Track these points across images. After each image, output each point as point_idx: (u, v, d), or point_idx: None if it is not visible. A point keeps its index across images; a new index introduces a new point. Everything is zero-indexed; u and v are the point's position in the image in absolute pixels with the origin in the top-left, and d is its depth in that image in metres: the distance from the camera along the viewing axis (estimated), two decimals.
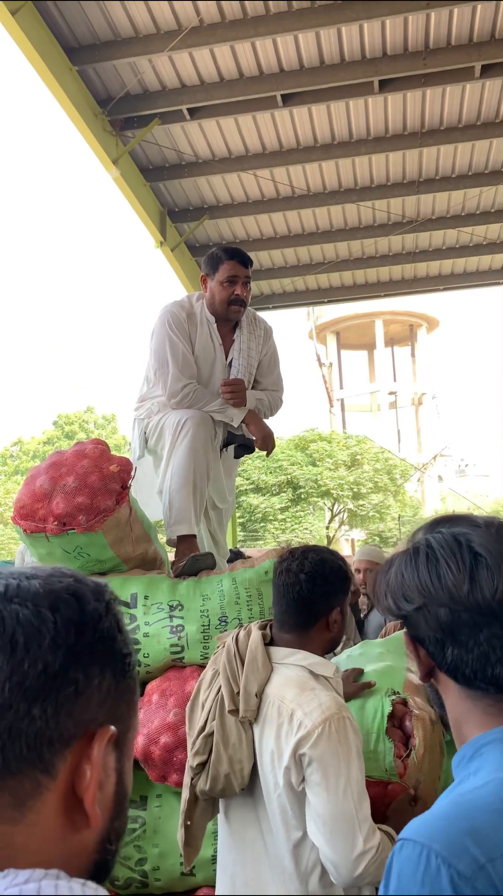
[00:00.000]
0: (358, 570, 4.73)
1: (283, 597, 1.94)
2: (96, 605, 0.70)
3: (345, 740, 1.73)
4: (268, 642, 1.97)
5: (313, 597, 1.91)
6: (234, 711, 1.88)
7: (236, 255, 3.32)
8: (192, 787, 1.95)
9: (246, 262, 3.34)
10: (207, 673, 2.07)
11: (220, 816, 2.00)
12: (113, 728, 0.68)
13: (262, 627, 2.01)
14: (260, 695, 1.87)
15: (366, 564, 4.75)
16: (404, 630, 1.06)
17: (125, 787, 0.72)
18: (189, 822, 1.99)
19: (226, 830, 1.97)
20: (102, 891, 0.62)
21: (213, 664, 2.07)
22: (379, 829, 1.76)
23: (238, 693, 1.89)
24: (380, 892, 0.88)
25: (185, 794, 1.98)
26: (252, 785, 1.87)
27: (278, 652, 1.93)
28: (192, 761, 1.94)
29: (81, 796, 0.65)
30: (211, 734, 1.91)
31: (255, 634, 1.96)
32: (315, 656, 1.90)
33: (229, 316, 3.36)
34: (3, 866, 0.60)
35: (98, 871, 0.68)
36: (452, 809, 0.88)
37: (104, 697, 0.69)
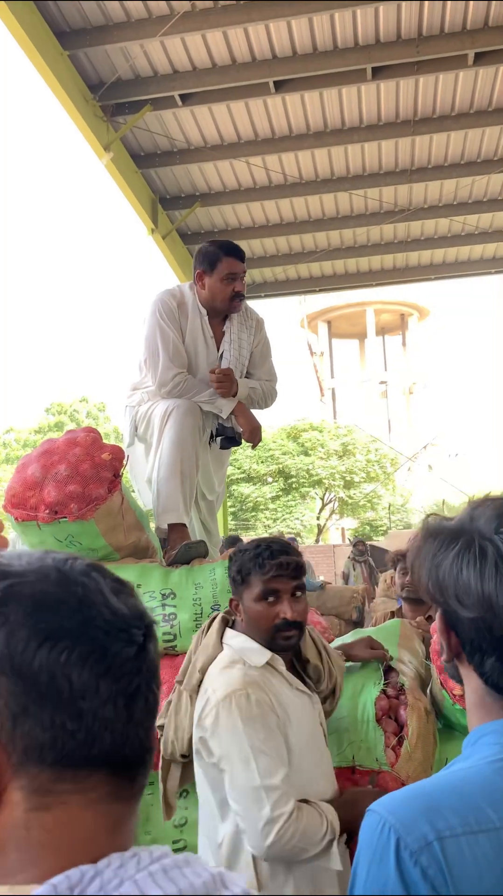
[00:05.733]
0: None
1: None
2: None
3: (245, 714, 1.76)
4: (233, 624, 2.05)
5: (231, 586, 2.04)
6: (180, 682, 2.07)
7: (234, 252, 3.32)
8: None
9: (243, 257, 3.36)
10: None
11: None
12: None
13: (230, 612, 2.10)
14: (203, 671, 1.97)
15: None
16: (432, 616, 1.03)
17: None
18: (163, 783, 2.14)
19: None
20: None
21: None
22: (312, 804, 1.77)
23: (188, 667, 2.07)
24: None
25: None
26: None
27: (229, 632, 2.02)
28: (157, 722, 2.02)
29: None
30: (170, 701, 2.09)
31: (220, 615, 2.10)
32: (251, 642, 1.93)
33: (231, 310, 3.36)
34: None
35: None
36: (420, 788, 0.91)
37: None
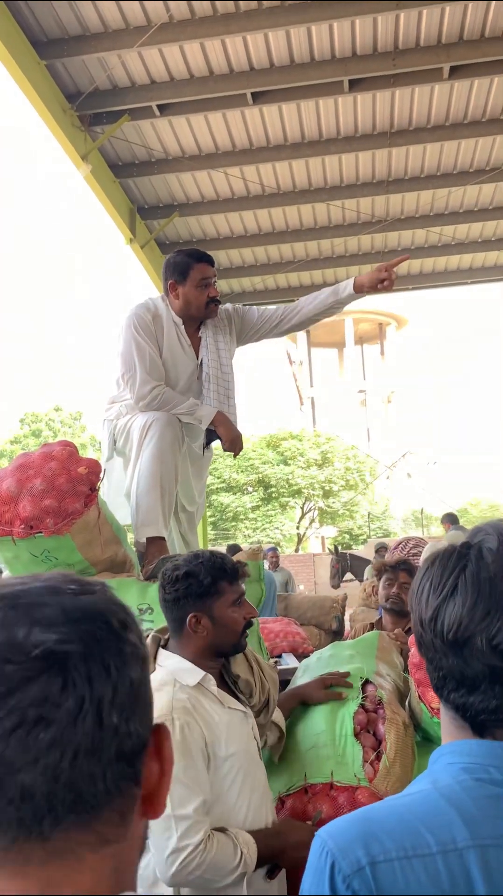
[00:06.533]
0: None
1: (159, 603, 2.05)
2: (129, 608, 0.71)
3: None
4: (165, 644, 2.03)
5: (167, 603, 1.98)
6: None
7: (204, 258, 3.32)
8: None
9: (213, 262, 3.37)
10: None
11: None
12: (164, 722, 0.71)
13: (162, 631, 2.07)
14: None
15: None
16: (412, 628, 1.05)
17: None
18: None
19: None
20: None
21: None
22: (223, 833, 1.75)
23: None
24: None
25: None
26: None
27: (161, 654, 2.00)
28: None
29: (154, 792, 0.67)
30: None
31: (152, 636, 2.05)
32: (185, 662, 1.93)
33: (208, 316, 3.35)
34: (125, 888, 0.62)
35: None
36: (365, 812, 0.92)
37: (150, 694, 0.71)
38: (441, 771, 0.93)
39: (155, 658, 1.99)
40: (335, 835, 0.88)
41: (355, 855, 0.84)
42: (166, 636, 2.04)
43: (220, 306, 3.54)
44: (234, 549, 8.57)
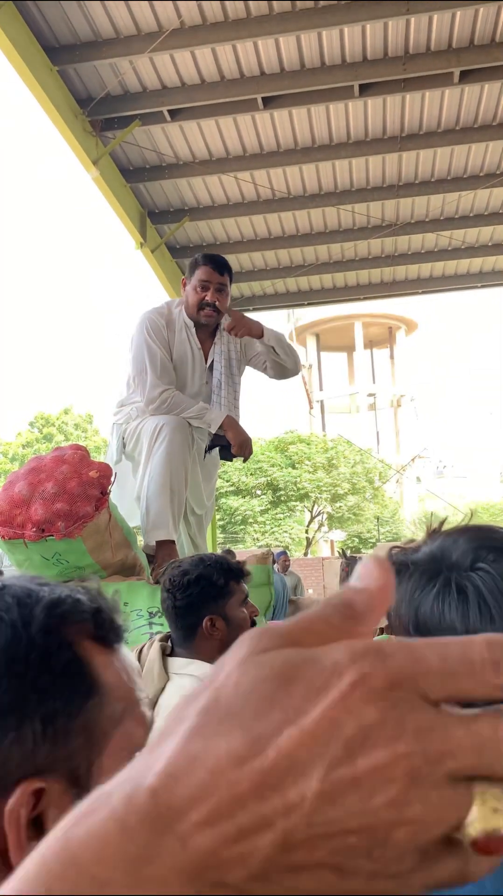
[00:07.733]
0: None
1: (164, 611, 2.03)
2: (25, 636, 0.60)
3: None
4: (170, 653, 2.00)
5: (179, 609, 1.96)
6: None
7: (211, 261, 3.36)
8: None
9: (221, 268, 3.35)
10: None
11: None
12: (39, 784, 0.57)
13: (164, 639, 2.05)
14: (153, 705, 1.88)
15: None
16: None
17: None
18: None
19: None
20: None
21: None
22: None
23: None
24: None
25: None
26: None
27: (175, 662, 1.96)
28: None
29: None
30: None
31: (156, 645, 2.02)
32: (209, 666, 1.91)
33: (201, 320, 3.38)
34: None
35: None
36: None
37: (31, 747, 0.58)
38: None
39: (166, 668, 1.95)
40: None
41: None
42: (167, 643, 2.03)
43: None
44: (229, 554, 8.55)
